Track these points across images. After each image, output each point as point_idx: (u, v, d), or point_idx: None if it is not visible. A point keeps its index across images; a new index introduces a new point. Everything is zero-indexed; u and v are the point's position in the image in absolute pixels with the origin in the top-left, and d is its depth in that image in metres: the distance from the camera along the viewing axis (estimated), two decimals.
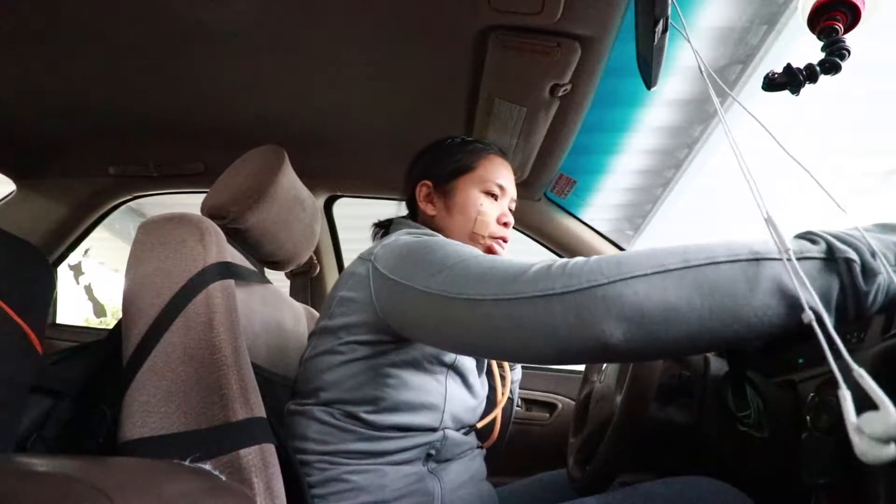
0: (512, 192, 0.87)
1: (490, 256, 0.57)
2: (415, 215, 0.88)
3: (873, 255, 0.40)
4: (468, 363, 0.76)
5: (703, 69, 0.53)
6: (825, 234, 0.43)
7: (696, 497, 0.65)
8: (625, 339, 0.42)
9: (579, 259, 0.48)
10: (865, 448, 0.27)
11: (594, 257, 0.48)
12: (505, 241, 0.84)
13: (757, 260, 0.42)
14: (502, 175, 0.85)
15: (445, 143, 0.88)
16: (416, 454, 0.69)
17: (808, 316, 0.36)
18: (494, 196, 0.83)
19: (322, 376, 0.70)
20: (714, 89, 0.52)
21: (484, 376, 0.84)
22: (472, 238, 0.81)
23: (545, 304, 0.46)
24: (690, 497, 0.65)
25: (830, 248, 0.41)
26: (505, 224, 0.83)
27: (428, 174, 0.86)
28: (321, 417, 0.68)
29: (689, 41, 0.56)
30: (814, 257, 0.41)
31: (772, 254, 0.42)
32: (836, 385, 0.59)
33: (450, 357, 0.72)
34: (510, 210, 0.87)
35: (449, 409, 0.71)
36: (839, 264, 0.40)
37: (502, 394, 0.88)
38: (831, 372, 0.30)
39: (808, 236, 0.44)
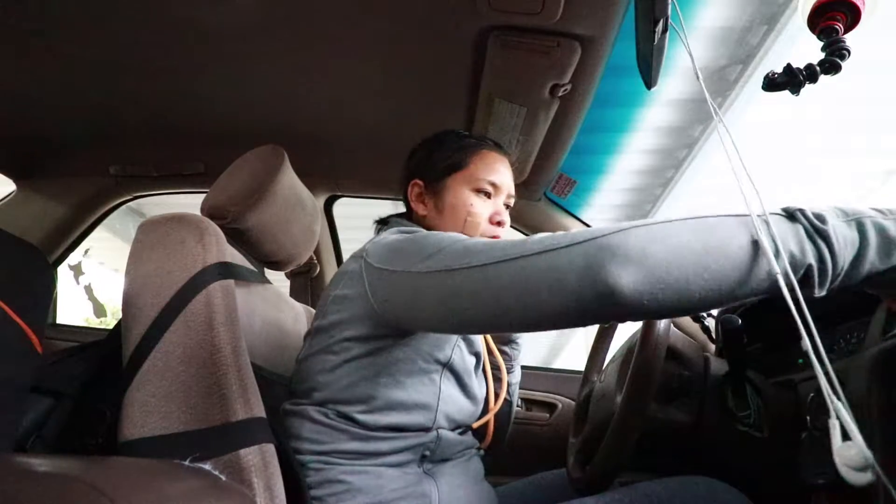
0: (508, 188, 0.83)
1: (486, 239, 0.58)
2: (410, 214, 0.87)
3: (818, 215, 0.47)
4: (464, 362, 0.75)
5: (695, 71, 0.53)
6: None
7: (695, 497, 0.65)
8: (632, 280, 0.44)
9: None
10: (847, 474, 0.31)
11: None
12: None
13: (737, 216, 0.48)
14: (496, 171, 0.81)
15: (438, 140, 0.86)
16: (410, 456, 0.69)
17: (778, 270, 0.42)
18: (487, 194, 0.80)
19: (316, 376, 0.69)
20: (707, 90, 0.52)
21: (482, 377, 0.83)
22: None
23: (551, 257, 0.48)
24: (690, 497, 0.65)
25: (785, 210, 0.48)
26: (499, 223, 0.80)
27: (419, 173, 0.84)
28: (315, 417, 0.68)
29: (685, 42, 0.56)
30: (777, 214, 0.48)
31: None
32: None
33: (444, 355, 0.71)
34: (509, 206, 0.83)
35: (442, 409, 0.71)
36: (796, 216, 0.47)
37: (496, 396, 0.87)
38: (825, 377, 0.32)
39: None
